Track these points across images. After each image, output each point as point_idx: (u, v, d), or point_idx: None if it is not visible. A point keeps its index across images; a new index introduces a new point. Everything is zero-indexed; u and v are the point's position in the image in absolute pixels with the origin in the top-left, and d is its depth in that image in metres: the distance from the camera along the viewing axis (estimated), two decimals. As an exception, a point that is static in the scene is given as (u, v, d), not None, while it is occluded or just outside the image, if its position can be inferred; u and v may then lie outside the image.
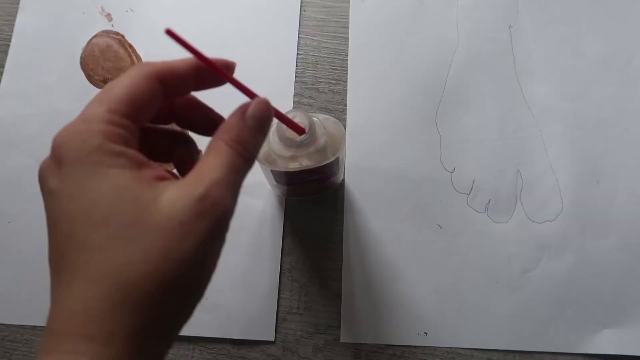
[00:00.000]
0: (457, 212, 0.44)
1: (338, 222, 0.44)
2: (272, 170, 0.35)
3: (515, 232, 0.44)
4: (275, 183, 0.39)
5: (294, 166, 0.32)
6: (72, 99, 0.48)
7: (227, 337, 0.42)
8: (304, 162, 0.32)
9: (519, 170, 0.45)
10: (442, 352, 0.42)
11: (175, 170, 0.28)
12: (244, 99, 0.25)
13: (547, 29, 0.49)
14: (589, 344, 0.41)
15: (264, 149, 0.33)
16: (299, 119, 0.31)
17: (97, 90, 0.48)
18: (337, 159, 0.34)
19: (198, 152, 0.29)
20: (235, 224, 0.45)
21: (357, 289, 0.43)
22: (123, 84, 0.22)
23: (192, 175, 0.22)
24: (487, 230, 0.44)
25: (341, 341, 0.42)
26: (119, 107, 0.22)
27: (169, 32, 0.22)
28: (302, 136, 0.30)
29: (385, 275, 0.43)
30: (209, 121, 0.27)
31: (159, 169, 0.23)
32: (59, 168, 0.21)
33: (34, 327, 0.43)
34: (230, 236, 0.44)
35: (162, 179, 0.22)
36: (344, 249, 0.44)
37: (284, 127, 0.30)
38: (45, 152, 0.49)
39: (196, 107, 0.27)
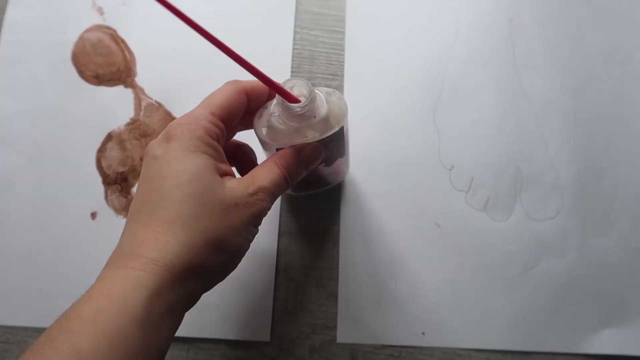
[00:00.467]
0: (455, 210, 0.44)
1: (335, 220, 0.44)
2: (277, 149, 0.34)
3: (515, 230, 0.43)
4: None
5: (299, 141, 0.31)
6: (63, 94, 0.47)
7: (223, 337, 0.41)
8: (308, 134, 0.31)
9: (518, 167, 0.44)
10: (440, 353, 0.41)
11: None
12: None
13: (548, 23, 0.48)
14: (589, 343, 0.41)
15: (265, 127, 0.32)
16: (297, 86, 0.30)
17: (88, 86, 0.47)
18: (342, 133, 0.33)
19: (255, 160, 0.37)
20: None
21: (354, 289, 0.42)
22: (221, 95, 0.30)
23: (248, 177, 0.30)
24: (487, 229, 0.43)
25: (338, 341, 0.41)
26: (218, 111, 0.29)
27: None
28: (303, 101, 0.29)
29: (383, 274, 0.42)
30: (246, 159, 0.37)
31: (229, 166, 0.30)
32: (167, 142, 0.28)
33: (26, 329, 0.42)
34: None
35: (228, 173, 0.29)
36: (340, 248, 0.43)
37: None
38: (35, 149, 0.48)
39: (249, 155, 0.37)
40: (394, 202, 0.44)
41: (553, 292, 0.42)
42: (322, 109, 0.31)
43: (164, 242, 0.25)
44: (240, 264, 0.42)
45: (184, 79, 0.47)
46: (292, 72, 0.47)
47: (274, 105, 0.31)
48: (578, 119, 0.45)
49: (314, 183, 0.43)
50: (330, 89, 0.33)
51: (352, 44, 0.48)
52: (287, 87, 0.30)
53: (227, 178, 0.29)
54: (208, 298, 0.42)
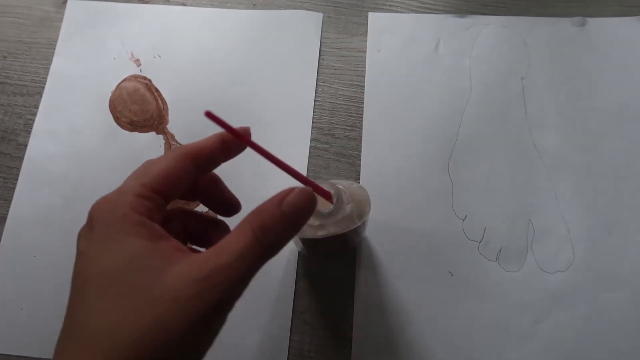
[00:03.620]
0: (468, 259, 0.45)
1: (351, 266, 0.45)
2: (300, 239, 0.36)
3: (526, 282, 0.44)
4: (300, 245, 0.41)
5: (322, 233, 0.33)
6: (100, 139, 0.50)
7: (238, 378, 0.43)
8: (331, 230, 0.33)
9: (530, 220, 0.46)
10: (451, 402, 0.42)
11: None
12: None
13: (559, 81, 0.50)
14: (601, 399, 0.41)
15: None
16: (325, 188, 0.32)
17: (123, 132, 0.50)
18: (363, 223, 0.36)
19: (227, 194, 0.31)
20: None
21: (368, 334, 0.43)
22: (159, 164, 0.26)
23: (204, 254, 0.22)
24: (498, 279, 0.44)
25: (351, 386, 0.42)
26: (152, 183, 0.25)
27: (209, 114, 0.24)
28: (330, 207, 0.32)
29: (397, 321, 0.43)
30: (225, 200, 0.30)
31: (176, 242, 0.24)
32: (90, 231, 0.23)
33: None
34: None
35: (176, 251, 0.23)
36: (355, 294, 0.44)
37: None
38: (72, 190, 0.51)
39: (215, 185, 0.30)
40: (408, 249, 0.45)
41: (564, 346, 0.42)
42: (347, 208, 0.33)
43: None
44: (257, 306, 0.44)
45: (212, 126, 0.50)
46: (313, 122, 0.50)
47: None
48: (589, 174, 0.47)
49: (331, 252, 0.45)
50: (353, 182, 0.35)
51: (370, 98, 0.50)
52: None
53: (173, 259, 0.22)
54: (224, 338, 0.44)
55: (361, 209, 0.35)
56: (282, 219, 0.23)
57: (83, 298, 0.22)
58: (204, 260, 0.22)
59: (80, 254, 0.23)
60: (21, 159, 0.50)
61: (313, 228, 0.34)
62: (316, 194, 0.26)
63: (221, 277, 0.22)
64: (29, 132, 0.51)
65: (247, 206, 0.27)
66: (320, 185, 0.33)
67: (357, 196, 0.35)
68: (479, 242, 0.45)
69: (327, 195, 0.30)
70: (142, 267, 0.22)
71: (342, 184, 0.35)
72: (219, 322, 0.23)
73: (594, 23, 0.52)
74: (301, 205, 0.24)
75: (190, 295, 0.21)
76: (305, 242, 0.38)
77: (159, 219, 0.25)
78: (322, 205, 0.32)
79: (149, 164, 0.26)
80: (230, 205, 0.30)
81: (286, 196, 0.24)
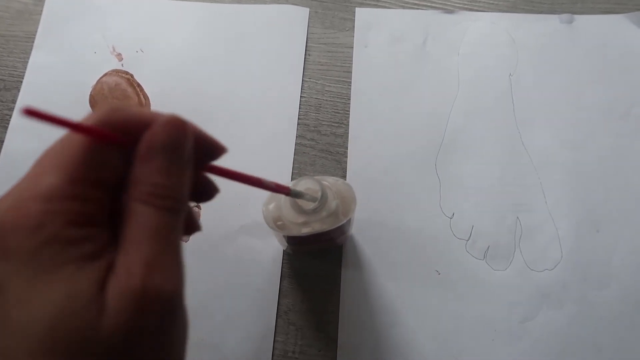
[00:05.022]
0: (455, 258, 0.44)
1: (337, 264, 0.44)
2: (285, 237, 0.35)
3: (514, 280, 0.44)
4: (285, 243, 0.40)
5: (306, 231, 0.33)
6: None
7: (221, 379, 0.42)
8: (316, 227, 0.33)
9: (518, 218, 0.45)
10: (438, 402, 0.41)
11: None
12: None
13: (547, 78, 0.50)
14: (589, 398, 0.41)
15: (275, 214, 0.34)
16: (310, 186, 0.31)
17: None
18: (349, 220, 0.35)
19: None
20: (233, 263, 0.45)
21: (354, 334, 0.42)
22: (77, 140, 0.18)
23: (122, 266, 0.17)
24: (486, 278, 0.44)
25: (336, 388, 0.41)
26: (82, 173, 0.17)
27: (29, 112, 0.17)
28: (314, 204, 0.31)
29: (383, 321, 0.43)
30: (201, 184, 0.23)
31: (110, 256, 0.18)
32: (4, 260, 0.16)
33: None
34: (228, 276, 0.44)
35: (111, 272, 0.17)
36: (341, 293, 0.43)
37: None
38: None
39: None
40: (395, 247, 0.45)
41: (553, 344, 0.42)
42: (332, 204, 0.33)
43: None
44: (241, 306, 0.43)
45: (195, 122, 0.49)
46: (299, 119, 0.49)
47: (285, 198, 0.33)
48: (577, 172, 0.46)
49: (316, 249, 0.44)
50: (339, 179, 0.35)
51: (357, 94, 0.50)
52: (299, 187, 0.31)
53: (106, 294, 0.17)
54: (207, 338, 0.43)
55: (347, 206, 0.34)
56: (166, 169, 0.18)
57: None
58: (127, 274, 0.17)
59: None
60: (-3, 155, 0.48)
61: (297, 225, 0.33)
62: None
63: (156, 281, 0.17)
64: (6, 128, 0.49)
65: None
66: (306, 181, 0.32)
67: (343, 193, 0.34)
68: (467, 241, 0.45)
69: (285, 190, 0.29)
70: (80, 312, 0.16)
71: (328, 181, 0.34)
72: (176, 331, 0.19)
73: (582, 20, 0.52)
74: (173, 139, 0.19)
75: (137, 333, 0.16)
76: (290, 239, 0.37)
77: (103, 217, 0.18)
78: (307, 203, 0.32)
79: (66, 142, 0.18)
80: (206, 189, 0.24)
81: (151, 144, 0.19)
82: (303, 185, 0.32)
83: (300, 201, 0.31)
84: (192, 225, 0.24)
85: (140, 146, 0.19)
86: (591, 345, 0.42)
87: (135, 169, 0.19)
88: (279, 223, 0.34)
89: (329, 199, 0.32)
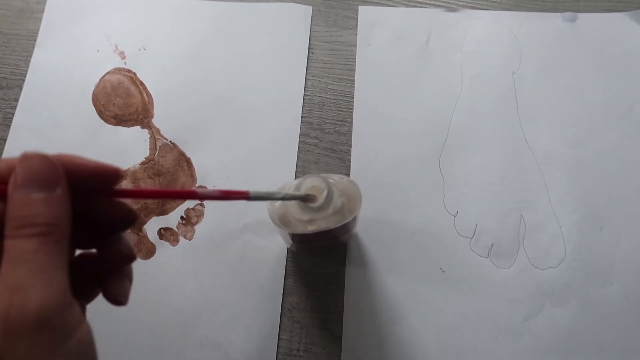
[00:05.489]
0: (459, 255, 0.44)
1: (341, 262, 0.44)
2: (290, 234, 0.35)
3: (517, 278, 0.44)
4: (290, 241, 0.40)
5: (312, 228, 0.33)
6: (83, 133, 0.49)
7: (226, 377, 0.42)
8: (321, 224, 0.33)
9: (522, 215, 0.45)
10: (443, 400, 0.41)
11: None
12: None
13: (550, 76, 0.50)
14: (593, 395, 0.41)
15: (280, 211, 0.34)
16: (316, 184, 0.31)
17: (107, 126, 0.49)
18: (354, 218, 0.35)
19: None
20: (237, 262, 0.45)
21: (358, 332, 0.42)
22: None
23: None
24: (490, 275, 0.44)
25: (341, 385, 0.41)
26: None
27: None
28: (320, 202, 0.31)
29: (387, 318, 0.43)
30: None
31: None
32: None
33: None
34: (232, 274, 0.44)
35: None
36: (345, 291, 0.44)
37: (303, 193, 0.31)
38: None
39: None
40: (399, 245, 0.45)
41: (556, 341, 0.42)
42: (337, 202, 0.32)
43: None
44: (245, 304, 0.43)
45: (198, 120, 0.49)
46: (302, 117, 0.49)
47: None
48: (580, 169, 0.47)
49: (320, 248, 0.44)
50: (344, 176, 0.35)
51: (360, 92, 0.50)
52: (304, 185, 0.31)
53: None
54: (212, 336, 0.43)
55: (352, 203, 0.34)
56: (33, 200, 0.19)
57: None
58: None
59: None
60: (0, 154, 0.48)
61: (303, 223, 0.33)
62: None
63: (19, 309, 0.17)
64: (8, 127, 0.49)
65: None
66: (310, 178, 0.32)
67: (348, 191, 0.34)
68: (471, 238, 0.45)
69: (241, 196, 0.27)
70: None
71: (333, 178, 0.34)
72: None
73: (585, 18, 0.52)
74: (34, 173, 0.20)
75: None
76: (295, 237, 0.38)
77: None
78: (313, 200, 0.32)
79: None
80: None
81: (12, 180, 0.20)
82: (309, 182, 0.32)
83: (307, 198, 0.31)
84: (123, 254, 0.24)
85: (7, 188, 0.20)
86: (594, 343, 0.42)
87: (6, 210, 0.19)
88: (284, 220, 0.34)
89: (335, 197, 0.32)
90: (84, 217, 0.22)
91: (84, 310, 0.23)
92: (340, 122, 0.49)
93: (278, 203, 0.34)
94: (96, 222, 0.23)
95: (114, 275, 0.24)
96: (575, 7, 0.52)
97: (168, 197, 0.23)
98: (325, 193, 0.31)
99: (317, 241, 0.40)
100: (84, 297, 0.24)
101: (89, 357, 0.19)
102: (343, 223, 0.33)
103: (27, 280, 0.17)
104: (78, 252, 0.25)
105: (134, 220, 0.24)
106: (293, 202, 0.33)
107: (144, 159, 0.48)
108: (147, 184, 0.47)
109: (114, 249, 0.24)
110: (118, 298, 0.24)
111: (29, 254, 0.18)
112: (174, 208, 0.46)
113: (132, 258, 0.25)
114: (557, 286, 0.43)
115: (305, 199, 0.31)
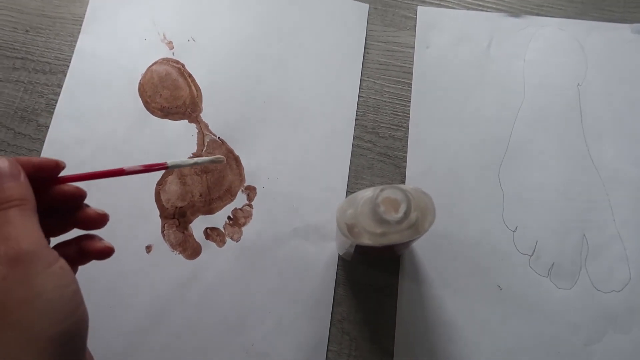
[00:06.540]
0: (518, 273, 0.42)
1: (393, 274, 0.43)
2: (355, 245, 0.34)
3: (579, 300, 0.42)
4: (351, 252, 0.38)
5: (383, 242, 0.31)
6: (128, 124, 0.47)
7: (271, 388, 0.40)
8: (393, 238, 0.31)
9: (584, 235, 0.43)
10: None
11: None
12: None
13: (617, 89, 0.48)
14: None
15: (350, 221, 0.32)
16: (392, 195, 0.30)
17: (153, 118, 0.47)
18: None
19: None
20: (285, 268, 0.43)
21: (411, 348, 0.41)
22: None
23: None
24: (550, 296, 0.42)
25: (391, 403, 0.39)
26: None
27: None
28: (399, 215, 0.29)
29: (441, 335, 0.41)
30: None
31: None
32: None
33: None
34: (280, 281, 0.42)
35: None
36: (398, 304, 0.42)
37: (381, 206, 0.30)
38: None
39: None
40: (455, 260, 0.43)
41: (617, 369, 0.40)
42: (412, 216, 0.31)
43: None
44: (293, 313, 0.42)
45: (248, 118, 0.47)
46: (356, 119, 0.47)
47: (363, 202, 0.31)
48: (647, 189, 0.44)
49: (377, 258, 0.42)
50: (417, 188, 0.33)
51: (418, 96, 0.48)
52: (382, 196, 0.30)
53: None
54: (258, 344, 0.41)
55: (424, 217, 0.32)
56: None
57: None
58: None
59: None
60: (42, 141, 0.46)
61: (374, 236, 0.31)
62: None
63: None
64: (51, 113, 0.47)
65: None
66: (389, 190, 0.30)
67: (421, 204, 0.32)
68: (530, 256, 0.43)
69: (159, 167, 0.29)
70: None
71: (407, 189, 0.32)
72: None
73: (654, 31, 0.50)
74: (4, 169, 0.26)
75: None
76: (358, 248, 0.36)
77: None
78: (388, 212, 0.30)
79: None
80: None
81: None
82: (387, 193, 0.30)
83: (385, 211, 0.29)
84: (94, 214, 0.30)
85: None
86: (654, 371, 0.40)
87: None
88: (353, 231, 0.32)
89: (412, 208, 0.30)
90: (44, 204, 0.28)
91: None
92: (395, 127, 0.47)
93: (349, 212, 0.32)
94: (54, 204, 0.29)
95: (91, 238, 0.30)
96: (645, 19, 0.50)
97: (97, 177, 0.29)
98: (404, 206, 0.29)
99: (379, 254, 0.38)
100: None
101: (69, 277, 0.25)
102: (416, 238, 0.32)
103: (14, 233, 0.24)
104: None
105: (82, 195, 0.30)
106: (366, 213, 0.31)
107: (191, 155, 0.46)
108: (193, 181, 0.45)
109: (82, 215, 0.30)
110: (101, 249, 0.30)
111: (12, 218, 0.25)
112: (221, 207, 0.44)
113: (105, 215, 0.30)
114: (620, 311, 0.41)
115: (214, 161, 0.31)
